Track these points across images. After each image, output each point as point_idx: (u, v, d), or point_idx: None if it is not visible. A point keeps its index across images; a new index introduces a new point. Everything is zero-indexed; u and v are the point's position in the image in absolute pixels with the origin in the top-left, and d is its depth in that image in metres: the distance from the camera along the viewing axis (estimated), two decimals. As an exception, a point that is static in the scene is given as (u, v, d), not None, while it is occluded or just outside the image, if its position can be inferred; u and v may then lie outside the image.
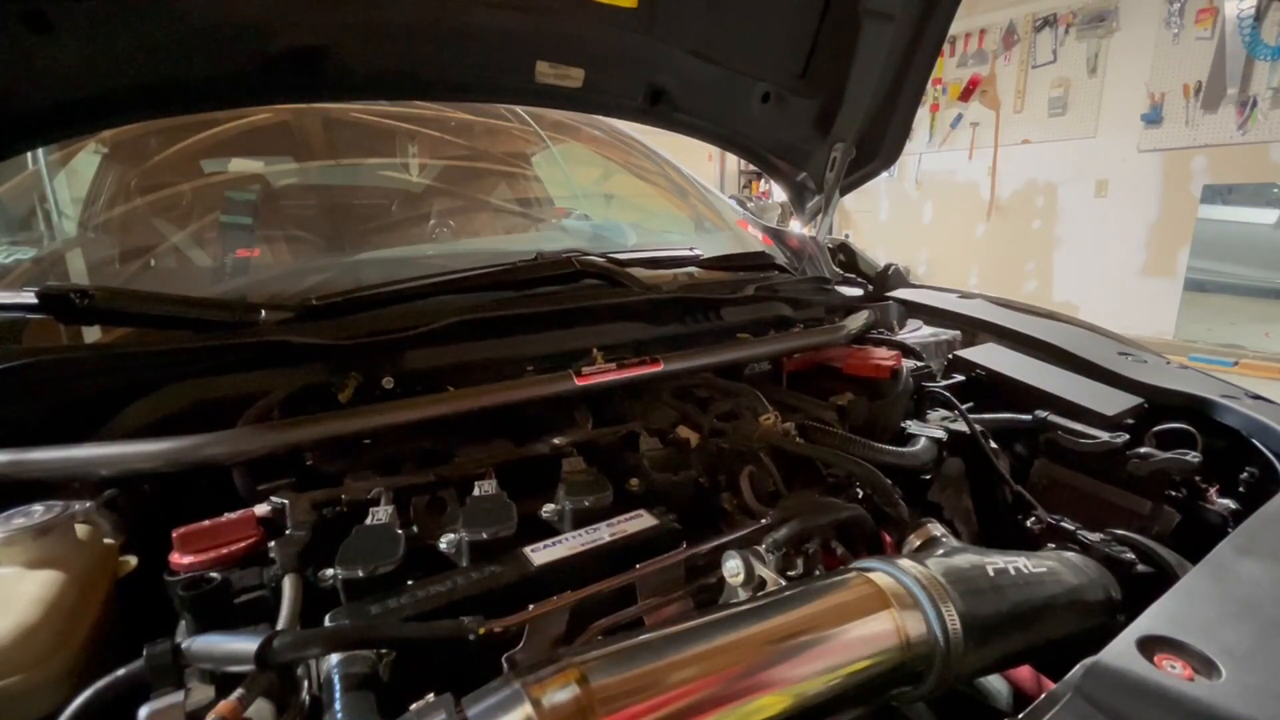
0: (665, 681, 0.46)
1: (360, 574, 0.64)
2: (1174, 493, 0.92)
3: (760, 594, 0.65)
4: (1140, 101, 4.98)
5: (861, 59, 1.28)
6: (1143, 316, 5.16)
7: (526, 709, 0.42)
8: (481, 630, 0.56)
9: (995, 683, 0.77)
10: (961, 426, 1.02)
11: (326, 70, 1.03)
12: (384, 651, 0.55)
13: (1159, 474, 0.90)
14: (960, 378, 1.18)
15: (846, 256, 1.66)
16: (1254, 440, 0.93)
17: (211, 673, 0.53)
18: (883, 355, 1.13)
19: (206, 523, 0.69)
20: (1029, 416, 1.03)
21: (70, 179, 1.42)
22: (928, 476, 1.00)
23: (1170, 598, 0.57)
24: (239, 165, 1.55)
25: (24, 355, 0.81)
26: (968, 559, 0.61)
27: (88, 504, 0.66)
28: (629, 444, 0.94)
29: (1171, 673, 0.48)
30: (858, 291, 1.51)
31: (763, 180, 7.45)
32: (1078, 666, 0.49)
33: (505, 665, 0.57)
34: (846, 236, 5.71)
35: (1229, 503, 0.89)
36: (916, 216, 6.93)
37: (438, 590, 0.63)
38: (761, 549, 0.70)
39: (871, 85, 1.34)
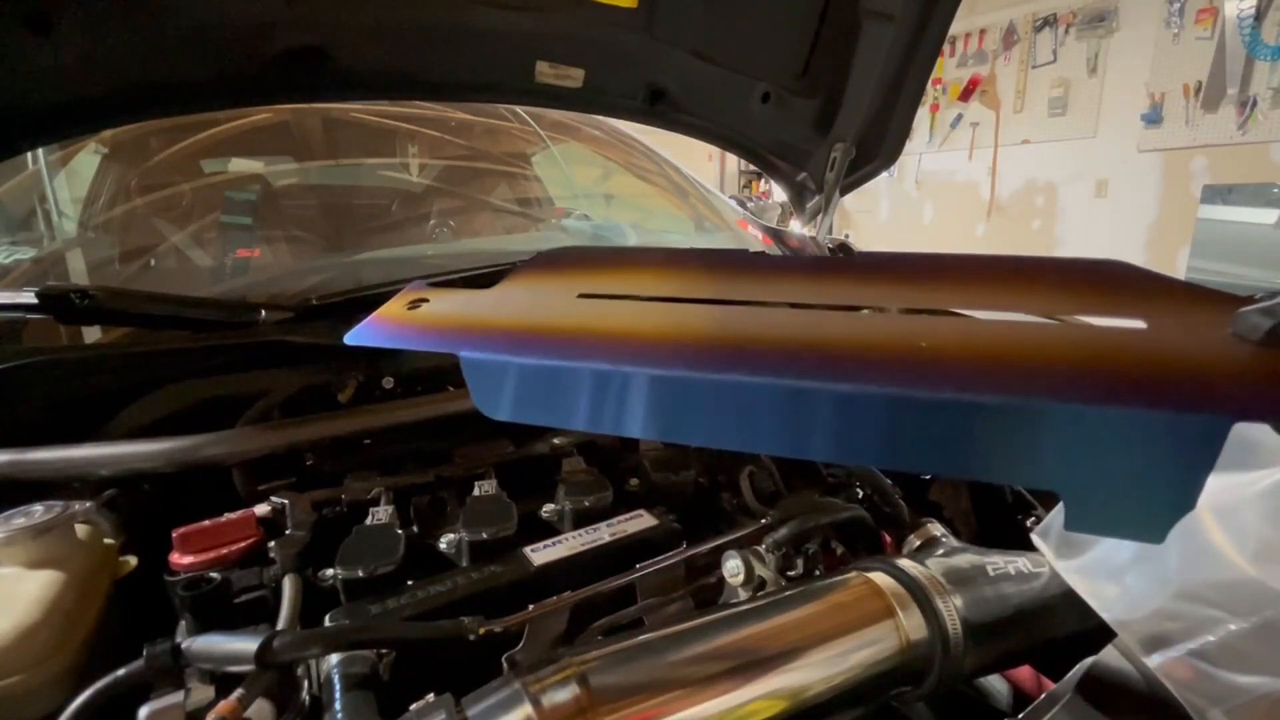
0: (665, 681, 0.46)
1: (360, 574, 0.64)
2: None
3: (760, 594, 0.65)
4: (1140, 101, 4.98)
5: (861, 59, 1.28)
6: (1143, 316, 5.16)
7: (526, 709, 0.42)
8: (481, 630, 0.56)
9: (995, 683, 0.77)
10: (961, 426, 1.02)
11: (326, 70, 1.03)
12: (384, 651, 0.55)
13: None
14: None
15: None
16: None
17: (211, 673, 0.53)
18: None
19: (206, 523, 0.69)
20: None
21: (70, 179, 1.42)
22: (928, 476, 1.00)
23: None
24: (239, 165, 1.55)
25: (24, 355, 0.81)
26: (968, 559, 0.61)
27: (88, 504, 0.66)
28: (629, 444, 0.94)
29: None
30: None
31: (763, 180, 7.44)
32: (1078, 666, 0.50)
33: (505, 665, 0.57)
34: (846, 236, 5.71)
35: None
36: (916, 216, 6.93)
37: (438, 590, 0.63)
38: (761, 549, 0.70)
39: (871, 85, 1.34)
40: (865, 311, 0.41)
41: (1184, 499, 0.30)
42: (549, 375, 0.43)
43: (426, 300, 0.55)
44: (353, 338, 0.52)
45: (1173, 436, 0.29)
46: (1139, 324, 0.31)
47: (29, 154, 1.35)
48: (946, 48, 6.10)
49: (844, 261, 0.45)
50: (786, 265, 0.47)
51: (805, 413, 0.36)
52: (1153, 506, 0.31)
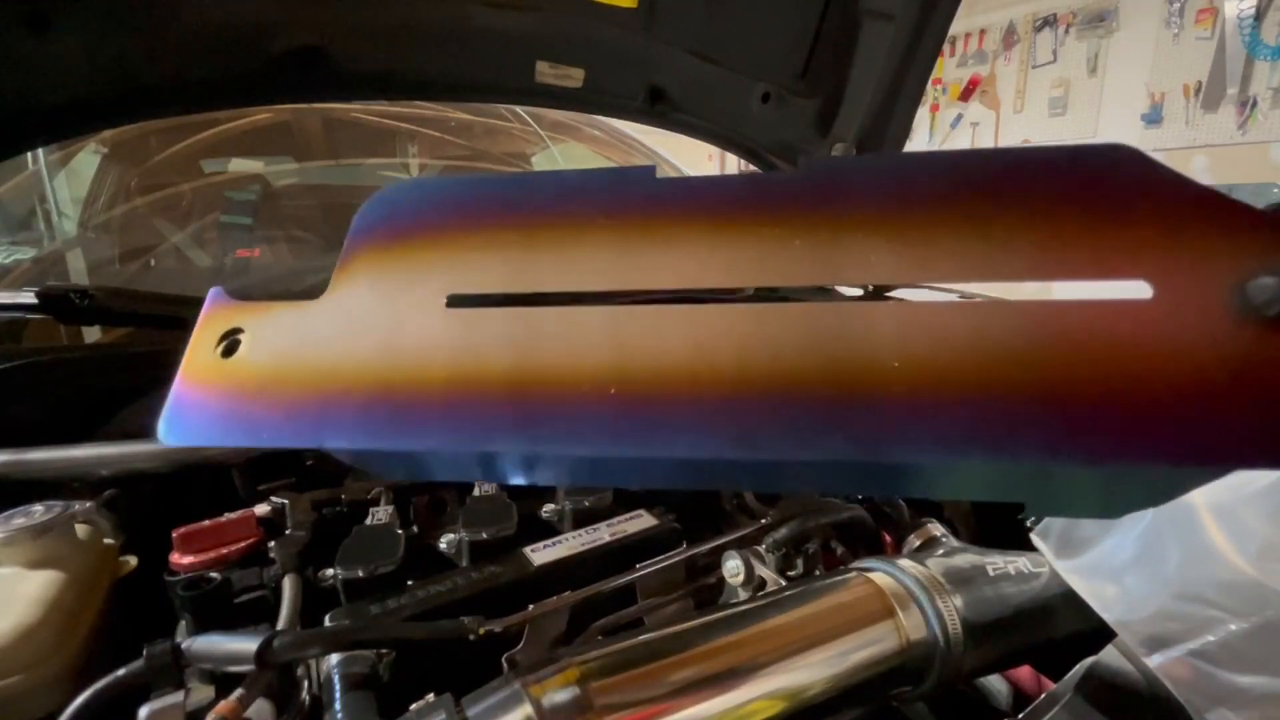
0: (665, 681, 0.46)
1: (360, 574, 0.64)
2: None
3: (760, 594, 0.65)
4: (1140, 101, 4.98)
5: (861, 59, 1.28)
6: (1143, 316, 5.16)
7: (526, 709, 0.42)
8: (481, 630, 0.56)
9: (995, 683, 0.77)
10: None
11: (326, 70, 1.03)
12: (384, 651, 0.55)
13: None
14: None
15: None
16: None
17: (211, 673, 0.53)
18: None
19: (206, 523, 0.69)
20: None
21: (70, 179, 1.43)
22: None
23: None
24: (239, 165, 1.55)
25: (24, 355, 0.81)
26: (968, 559, 0.61)
27: (88, 504, 0.66)
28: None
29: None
30: (857, 291, 1.50)
31: (763, 180, 7.42)
32: (1078, 666, 0.50)
33: (505, 665, 0.57)
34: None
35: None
36: (916, 216, 6.92)
37: (438, 590, 0.63)
38: (761, 549, 0.70)
39: (871, 85, 1.34)
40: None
41: (1152, 504, 0.30)
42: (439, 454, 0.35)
43: (241, 331, 0.38)
44: (169, 433, 0.36)
45: (1149, 479, 0.28)
46: (1143, 289, 0.28)
47: (29, 154, 1.35)
48: (946, 48, 6.10)
49: (784, 184, 0.33)
50: (713, 199, 0.36)
51: (758, 466, 0.32)
52: (1116, 504, 0.32)
